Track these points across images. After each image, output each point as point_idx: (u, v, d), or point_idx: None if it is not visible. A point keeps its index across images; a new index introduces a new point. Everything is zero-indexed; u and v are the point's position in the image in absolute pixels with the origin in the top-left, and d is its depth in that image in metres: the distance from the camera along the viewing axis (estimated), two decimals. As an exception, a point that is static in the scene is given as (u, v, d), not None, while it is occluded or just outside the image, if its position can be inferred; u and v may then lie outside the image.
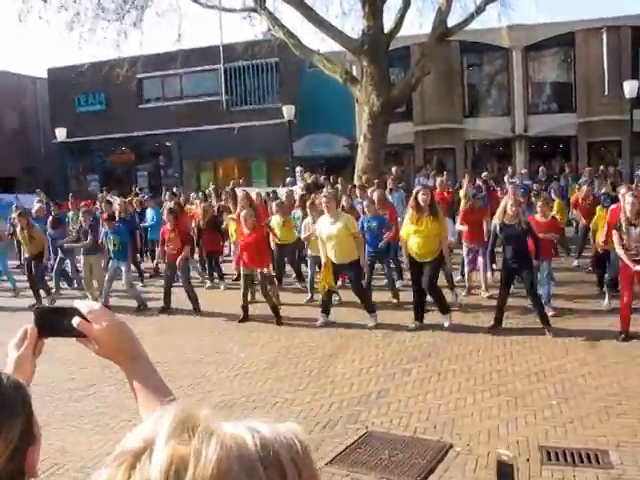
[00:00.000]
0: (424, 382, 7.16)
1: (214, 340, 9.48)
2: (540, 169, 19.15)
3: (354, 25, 19.77)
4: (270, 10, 19.37)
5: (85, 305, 1.42)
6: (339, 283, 10.85)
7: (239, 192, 13.27)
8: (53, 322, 1.42)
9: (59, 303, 11.81)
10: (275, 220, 12.41)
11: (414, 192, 9.49)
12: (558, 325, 8.95)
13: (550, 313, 9.54)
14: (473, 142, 30.08)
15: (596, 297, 10.67)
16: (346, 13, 19.89)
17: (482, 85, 30.81)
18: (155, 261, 13.96)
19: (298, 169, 21.36)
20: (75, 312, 1.40)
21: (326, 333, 9.43)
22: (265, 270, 10.36)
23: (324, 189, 13.43)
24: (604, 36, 27.66)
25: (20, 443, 1.13)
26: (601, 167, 20.24)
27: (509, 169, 21.73)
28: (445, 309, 9.42)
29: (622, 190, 10.22)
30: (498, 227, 8.93)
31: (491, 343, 8.50)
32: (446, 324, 9.27)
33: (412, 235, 9.23)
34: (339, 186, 16.96)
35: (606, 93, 27.10)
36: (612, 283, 10.08)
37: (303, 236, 11.69)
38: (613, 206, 9.92)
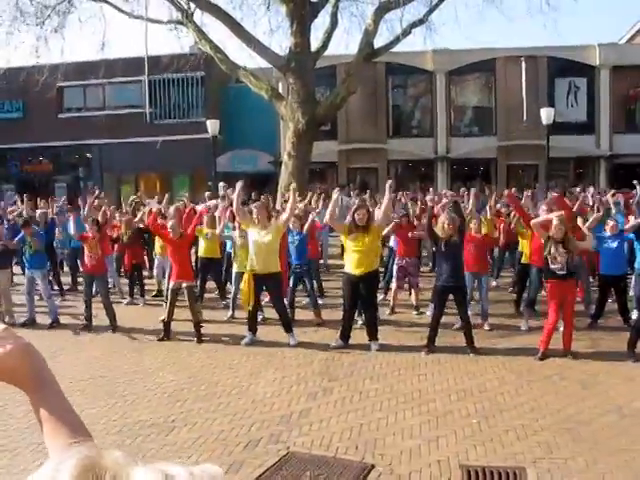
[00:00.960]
0: (346, 401, 7.10)
1: (132, 359, 9.18)
2: (461, 190, 19.50)
3: (281, 42, 19.87)
4: (197, 23, 19.21)
5: None
6: (265, 299, 10.71)
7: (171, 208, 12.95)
8: None
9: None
10: (203, 232, 12.18)
11: (351, 210, 9.51)
12: (478, 344, 9.07)
13: (486, 328, 9.96)
14: (396, 162, 30.57)
15: (513, 317, 10.90)
16: (274, 30, 19.93)
17: (406, 106, 31.40)
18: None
19: (221, 184, 21.14)
20: None
21: (247, 351, 9.28)
22: (190, 284, 10.15)
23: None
24: (523, 64, 28.71)
25: None
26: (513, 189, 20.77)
27: (430, 190, 22.10)
28: (375, 333, 9.33)
29: (543, 207, 10.55)
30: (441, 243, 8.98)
31: (412, 362, 8.53)
32: (374, 348, 9.16)
33: (349, 253, 9.22)
34: (262, 202, 16.85)
35: (525, 118, 28.07)
36: (530, 303, 10.36)
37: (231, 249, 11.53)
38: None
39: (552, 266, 8.57)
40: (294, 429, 6.33)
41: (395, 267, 11.59)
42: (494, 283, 13.61)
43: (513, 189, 11.15)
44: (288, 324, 9.72)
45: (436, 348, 9.03)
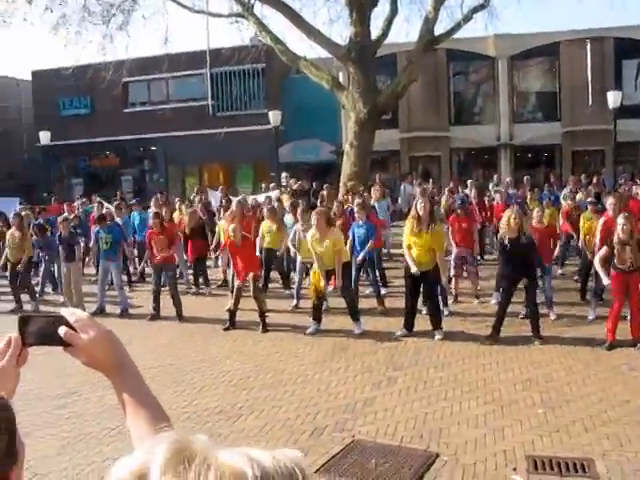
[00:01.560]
0: (410, 390, 7.13)
1: (199, 347, 9.40)
2: (525, 178, 19.21)
3: (341, 32, 19.87)
4: (257, 16, 19.37)
5: (72, 313, 1.37)
6: (329, 289, 10.81)
7: (234, 202, 13.08)
8: (38, 330, 1.36)
9: (42, 308, 11.72)
10: (266, 226, 12.35)
11: (414, 203, 9.51)
12: (543, 333, 8.96)
13: (552, 317, 9.90)
14: (459, 150, 30.20)
15: (580, 305, 10.72)
16: (333, 20, 19.97)
17: (468, 93, 30.94)
18: (142, 264, 13.87)
19: (284, 175, 21.35)
20: (62, 320, 1.35)
21: (312, 340, 9.39)
22: (255, 275, 10.31)
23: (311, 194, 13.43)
24: (588, 47, 27.90)
25: (2, 463, 1.08)
26: (582, 176, 20.31)
27: (495, 177, 21.85)
28: (439, 322, 9.35)
29: (610, 200, 10.31)
30: (506, 241, 8.95)
31: (477, 351, 8.50)
32: (437, 337, 9.17)
33: (411, 248, 9.26)
34: (325, 192, 16.98)
35: (590, 103, 27.33)
36: (597, 292, 10.19)
37: (290, 241, 11.60)
38: (603, 218, 10.03)
39: (619, 265, 8.46)
40: (359, 417, 6.40)
41: (452, 256, 11.56)
42: (560, 271, 13.38)
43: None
44: (355, 312, 9.80)
45: (500, 338, 8.97)
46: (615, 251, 8.49)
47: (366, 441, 5.87)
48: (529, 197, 14.96)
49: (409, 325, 9.42)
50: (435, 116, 28.99)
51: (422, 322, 9.52)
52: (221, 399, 7.08)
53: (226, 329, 10.21)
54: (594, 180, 19.30)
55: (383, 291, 11.80)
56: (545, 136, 28.26)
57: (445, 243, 10.54)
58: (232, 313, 10.31)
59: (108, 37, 20.03)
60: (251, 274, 10.15)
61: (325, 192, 17.08)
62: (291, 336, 9.73)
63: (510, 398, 6.81)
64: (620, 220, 8.51)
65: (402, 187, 21.28)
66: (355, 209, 11.52)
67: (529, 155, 30.02)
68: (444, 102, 29.56)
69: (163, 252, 11.15)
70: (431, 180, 21.57)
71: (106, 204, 17.07)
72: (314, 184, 20.30)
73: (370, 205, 12.25)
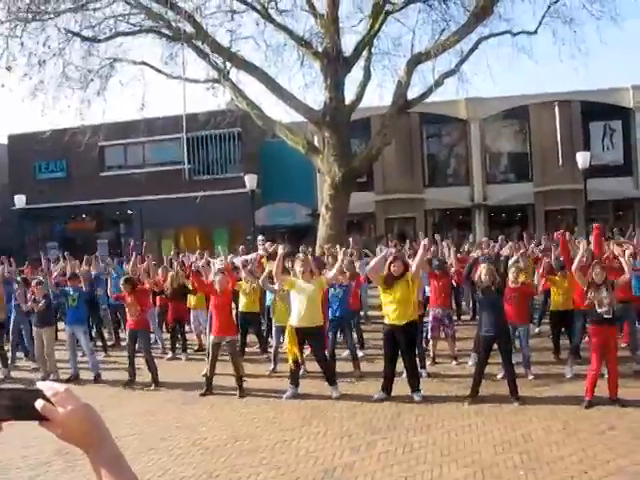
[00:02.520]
0: (390, 454, 7.04)
1: (175, 413, 9.23)
2: (499, 238, 19.37)
3: (316, 97, 20.27)
4: (233, 81, 19.73)
5: (49, 387, 1.36)
6: (306, 353, 10.73)
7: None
8: (14, 404, 1.34)
9: (13, 374, 11.46)
10: (243, 287, 12.32)
11: (387, 262, 9.56)
12: (522, 393, 8.94)
13: (530, 377, 9.85)
14: (433, 211, 30.64)
15: (558, 364, 10.74)
16: (308, 85, 20.46)
17: (442, 155, 31.58)
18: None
19: (260, 238, 21.39)
20: (39, 394, 1.34)
21: (289, 405, 9.27)
22: (233, 338, 10.24)
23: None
24: (556, 110, 28.78)
25: None
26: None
27: (470, 237, 22.09)
28: (417, 384, 9.25)
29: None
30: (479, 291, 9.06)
31: (456, 413, 8.44)
32: (417, 399, 9.08)
33: (387, 304, 9.25)
34: (300, 255, 16.97)
35: (560, 163, 28.00)
36: (575, 349, 10.26)
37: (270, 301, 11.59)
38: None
39: (599, 310, 8.50)
40: (338, 483, 6.29)
41: (429, 317, 11.56)
42: (536, 330, 13.42)
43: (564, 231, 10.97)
44: (332, 376, 9.71)
45: (479, 398, 8.93)
46: (590, 296, 8.57)
47: (346, 508, 5.75)
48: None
49: (387, 389, 9.34)
50: (409, 178, 29.49)
51: (400, 385, 9.45)
52: (197, 467, 6.93)
53: (203, 394, 10.06)
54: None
55: (360, 353, 11.75)
56: (518, 196, 28.82)
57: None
58: (209, 378, 10.19)
59: (85, 102, 20.25)
60: (227, 338, 10.10)
61: (301, 255, 17.07)
62: (269, 401, 9.59)
63: (490, 460, 6.74)
64: (596, 269, 8.66)
65: (378, 249, 21.34)
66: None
67: (503, 215, 30.53)
68: (418, 164, 30.12)
69: (134, 317, 11.04)
70: (408, 241, 21.67)
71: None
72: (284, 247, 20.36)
73: (353, 267, 12.33)
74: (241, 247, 20.86)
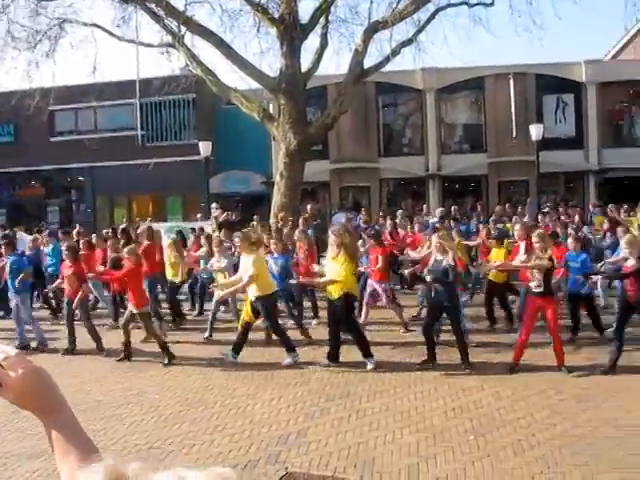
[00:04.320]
0: (343, 420, 7.12)
1: (127, 382, 9.16)
2: (452, 208, 19.62)
3: (272, 64, 20.00)
4: (188, 46, 19.35)
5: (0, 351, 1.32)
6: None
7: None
8: None
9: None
10: (168, 257, 12.33)
11: (330, 231, 9.59)
12: (473, 360, 9.11)
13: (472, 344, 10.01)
14: (388, 180, 30.74)
15: (509, 332, 10.94)
16: (264, 52, 20.09)
17: (397, 125, 31.60)
18: (46, 290, 13.50)
19: (214, 206, 21.25)
20: None
21: (244, 373, 9.28)
22: (138, 309, 10.15)
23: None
24: (511, 82, 28.96)
25: None
26: (507, 206, 20.94)
27: (424, 207, 22.28)
28: (367, 351, 9.27)
29: (517, 227, 11.06)
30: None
31: (408, 380, 8.56)
32: (369, 366, 9.15)
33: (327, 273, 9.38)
34: (254, 223, 16.97)
35: (514, 135, 28.30)
36: (510, 318, 10.81)
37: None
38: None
39: (530, 283, 8.82)
40: (292, 449, 6.34)
41: (368, 287, 11.59)
42: (464, 298, 13.66)
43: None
44: (288, 344, 9.73)
45: (431, 365, 9.10)
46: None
47: (300, 473, 5.81)
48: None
49: (332, 356, 9.38)
50: (364, 147, 29.48)
51: (354, 352, 9.52)
52: (150, 434, 6.91)
53: (120, 360, 10.16)
54: (519, 209, 19.92)
55: (314, 322, 11.83)
56: (472, 167, 29.08)
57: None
58: (126, 345, 10.26)
59: (34, 64, 19.65)
60: (130, 308, 10.25)
61: (254, 223, 17.11)
62: (222, 369, 9.58)
63: (442, 425, 6.87)
64: (535, 238, 8.95)
65: (333, 217, 21.42)
66: (272, 241, 11.67)
67: (457, 185, 30.79)
68: (373, 133, 30.10)
69: (71, 286, 10.89)
70: (363, 210, 21.79)
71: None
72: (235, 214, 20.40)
73: (304, 236, 12.43)
74: (198, 215, 20.78)
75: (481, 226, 15.08)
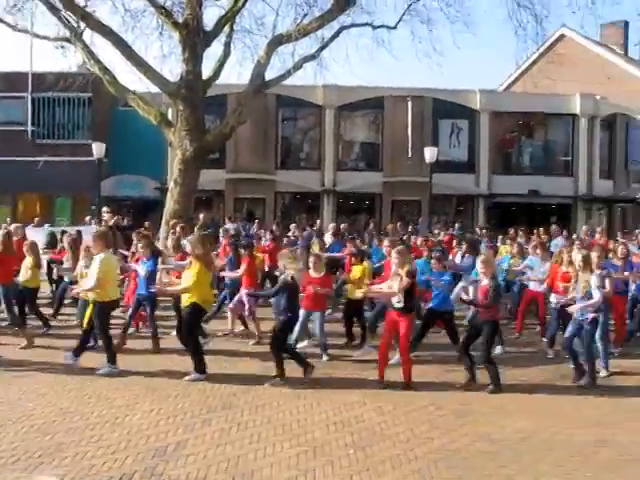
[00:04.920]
0: (224, 433, 7.00)
1: (-1, 388, 8.70)
2: (342, 226, 19.70)
3: (173, 68, 19.62)
4: (86, 43, 18.74)
5: None
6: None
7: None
8: None
9: None
10: (26, 262, 11.83)
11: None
12: (358, 376, 9.21)
13: (324, 359, 10.31)
14: (284, 194, 30.86)
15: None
16: (166, 55, 19.69)
17: (295, 139, 31.83)
18: None
19: (104, 209, 20.66)
20: None
21: (124, 382, 8.99)
22: None
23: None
24: (409, 104, 29.75)
25: None
26: (398, 225, 21.39)
27: (317, 222, 22.46)
28: (198, 363, 9.19)
29: (385, 243, 11.64)
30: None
31: (292, 394, 8.53)
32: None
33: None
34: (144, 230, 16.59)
35: (410, 156, 29.04)
36: (372, 328, 11.06)
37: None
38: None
39: (392, 298, 9.08)
40: (170, 462, 6.18)
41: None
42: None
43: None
44: (108, 352, 9.52)
45: (316, 380, 9.12)
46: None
47: (175, 486, 5.66)
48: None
49: (199, 367, 9.26)
50: (262, 159, 29.47)
51: (243, 364, 9.45)
52: (19, 446, 6.54)
53: None
54: (409, 228, 20.42)
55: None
56: (367, 185, 29.63)
57: None
58: None
59: None
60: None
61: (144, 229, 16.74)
62: (100, 378, 9.24)
63: (323, 439, 6.88)
64: (394, 254, 9.36)
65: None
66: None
67: (351, 202, 31.28)
68: (271, 146, 30.16)
69: None
70: (257, 221, 21.72)
71: None
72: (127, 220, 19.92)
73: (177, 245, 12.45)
74: (87, 218, 20.08)
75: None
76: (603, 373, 9.67)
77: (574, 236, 19.76)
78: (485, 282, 8.95)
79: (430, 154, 24.28)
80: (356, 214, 30.90)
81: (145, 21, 19.29)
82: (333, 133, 30.24)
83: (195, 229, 15.27)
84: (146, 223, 18.09)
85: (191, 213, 18.79)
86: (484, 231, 19.60)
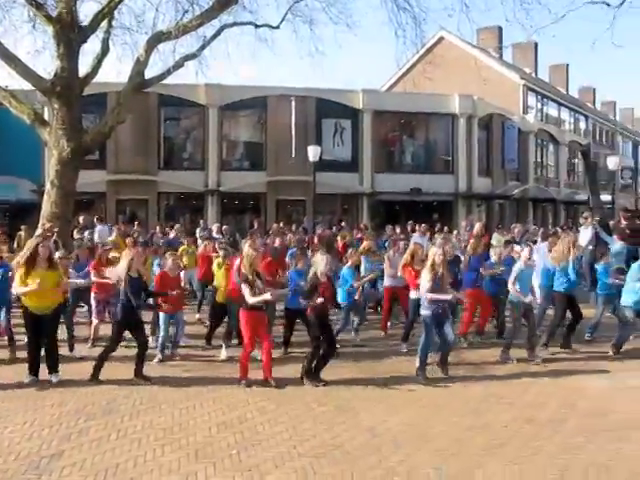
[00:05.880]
0: (102, 441, 6.79)
1: None
2: (224, 227, 19.56)
3: (47, 65, 18.75)
4: (-52, 33, 17.66)
5: None
6: None
7: None
8: None
9: None
10: None
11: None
12: (234, 375, 9.20)
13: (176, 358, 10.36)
14: (167, 194, 30.31)
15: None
16: (40, 51, 18.82)
17: (179, 139, 31.33)
18: None
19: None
20: None
21: (-3, 393, 8.57)
22: None
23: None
24: (293, 104, 29.92)
25: None
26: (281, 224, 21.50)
27: (201, 222, 22.19)
28: (53, 365, 9.14)
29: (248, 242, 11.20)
30: None
31: (173, 397, 8.39)
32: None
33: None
34: (22, 233, 15.93)
35: (293, 155, 29.21)
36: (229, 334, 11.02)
37: None
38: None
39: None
40: (43, 475, 5.93)
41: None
42: (197, 316, 13.97)
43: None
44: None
45: (198, 380, 9.02)
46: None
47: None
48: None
49: (34, 370, 9.09)
50: (144, 159, 28.81)
51: (114, 369, 9.22)
52: None
53: None
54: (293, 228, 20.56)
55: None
56: (251, 184, 29.59)
57: None
58: None
59: None
60: None
61: (22, 233, 16.08)
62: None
63: (205, 441, 6.81)
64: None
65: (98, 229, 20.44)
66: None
67: (236, 202, 31.12)
68: (154, 146, 29.55)
69: None
70: (137, 223, 21.22)
71: None
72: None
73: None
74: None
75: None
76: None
77: (454, 232, 20.45)
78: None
79: (313, 153, 24.51)
80: (241, 214, 30.79)
81: (15, 13, 18.39)
82: (217, 133, 30.00)
83: (74, 232, 14.71)
84: (22, 227, 17.28)
85: (70, 216, 18.05)
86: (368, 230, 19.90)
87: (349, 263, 11.78)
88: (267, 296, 9.00)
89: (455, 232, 19.76)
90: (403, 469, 6.12)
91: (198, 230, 19.46)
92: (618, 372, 9.92)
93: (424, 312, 9.47)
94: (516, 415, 7.80)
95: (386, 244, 15.58)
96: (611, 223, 17.42)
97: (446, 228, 22.32)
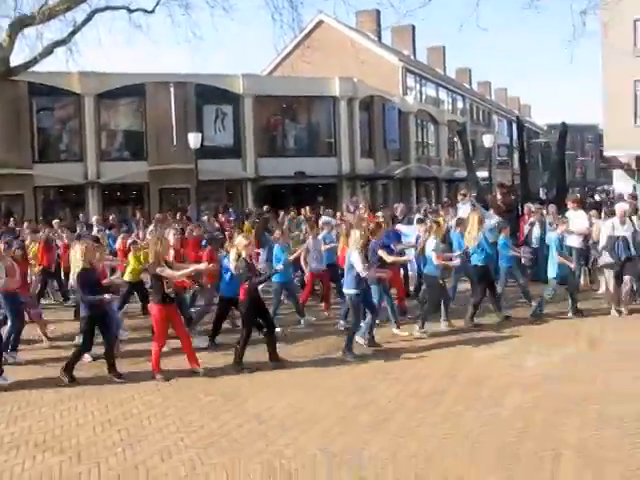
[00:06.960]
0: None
1: None
2: (111, 217, 19.10)
3: None
4: None
5: None
6: None
7: None
8: None
9: None
10: None
11: None
12: (122, 370, 8.99)
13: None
14: (45, 188, 29.05)
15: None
16: None
17: (54, 130, 30.07)
18: None
19: None
20: None
21: None
22: None
23: None
24: (172, 90, 29.36)
25: None
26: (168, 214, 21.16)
27: (81, 216, 21.46)
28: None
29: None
30: None
31: (54, 399, 8.05)
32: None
33: None
34: None
35: (175, 143, 28.69)
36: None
37: None
38: None
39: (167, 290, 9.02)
40: None
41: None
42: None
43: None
44: None
45: (82, 380, 8.75)
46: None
47: None
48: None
49: None
50: (16, 153, 27.37)
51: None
52: None
53: None
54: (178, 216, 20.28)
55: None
56: (133, 174, 28.91)
57: None
58: None
59: None
60: None
61: None
62: None
63: (88, 442, 6.59)
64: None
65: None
66: None
67: (118, 193, 30.31)
68: (26, 138, 28.18)
69: None
70: (12, 220, 20.29)
71: None
72: None
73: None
74: None
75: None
76: (361, 341, 10.20)
77: (338, 213, 20.58)
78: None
79: (194, 140, 24.17)
80: (124, 205, 29.99)
81: None
82: (94, 122, 29.01)
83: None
84: None
85: None
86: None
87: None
88: (200, 266, 9.63)
89: (338, 214, 19.90)
90: (290, 452, 6.16)
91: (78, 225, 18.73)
92: (498, 341, 10.38)
93: (351, 291, 9.68)
94: (400, 389, 8.01)
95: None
96: (488, 198, 18.09)
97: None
